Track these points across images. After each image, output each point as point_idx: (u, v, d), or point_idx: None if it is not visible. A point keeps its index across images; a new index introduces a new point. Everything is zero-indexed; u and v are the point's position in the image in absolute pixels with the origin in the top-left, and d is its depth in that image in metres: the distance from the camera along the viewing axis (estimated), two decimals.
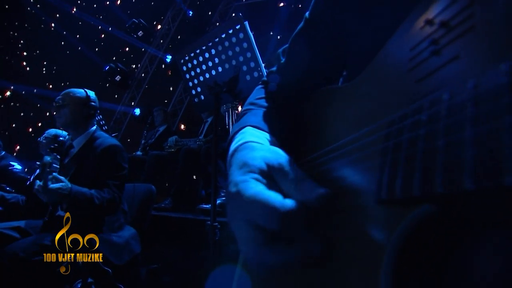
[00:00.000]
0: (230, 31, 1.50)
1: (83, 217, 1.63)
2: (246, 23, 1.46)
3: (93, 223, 1.68)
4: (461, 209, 0.19)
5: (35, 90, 7.86)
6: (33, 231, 1.72)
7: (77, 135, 1.86)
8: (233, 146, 0.43)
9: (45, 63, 8.50)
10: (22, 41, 8.88)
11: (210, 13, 6.57)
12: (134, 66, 6.78)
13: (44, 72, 8.50)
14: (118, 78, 6.02)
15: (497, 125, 0.15)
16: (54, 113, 1.85)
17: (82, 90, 1.93)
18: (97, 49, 7.45)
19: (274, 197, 0.31)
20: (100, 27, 7.29)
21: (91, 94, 1.95)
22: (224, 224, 1.67)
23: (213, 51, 1.60)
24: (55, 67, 8.34)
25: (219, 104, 1.71)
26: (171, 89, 6.60)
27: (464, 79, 0.18)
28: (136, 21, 6.10)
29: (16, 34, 8.79)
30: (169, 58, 6.14)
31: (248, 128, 0.46)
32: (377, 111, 0.28)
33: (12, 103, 8.50)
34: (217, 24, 6.56)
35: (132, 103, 6.41)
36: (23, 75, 8.35)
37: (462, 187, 0.16)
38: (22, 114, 8.56)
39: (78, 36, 7.61)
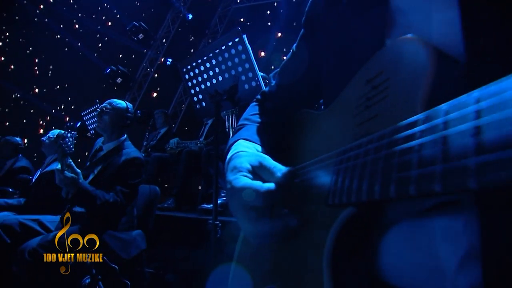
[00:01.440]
0: (230, 43, 1.61)
1: (100, 216, 1.75)
2: (245, 36, 1.57)
3: (109, 222, 1.82)
4: (374, 210, 0.30)
5: (18, 95, 7.66)
6: (51, 226, 1.85)
7: (109, 141, 2.06)
8: (229, 155, 0.56)
9: (36, 60, 8.27)
10: (8, 34, 8.52)
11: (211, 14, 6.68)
12: (134, 68, 6.88)
13: (37, 73, 8.32)
14: (119, 80, 6.13)
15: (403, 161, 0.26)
16: (96, 118, 2.09)
17: (124, 102, 2.14)
18: (100, 44, 7.44)
19: (256, 183, 0.45)
20: (101, 24, 7.37)
21: (130, 106, 2.16)
22: (225, 223, 1.78)
23: (213, 61, 1.72)
24: (51, 67, 8.24)
25: (219, 110, 1.83)
26: (171, 91, 6.71)
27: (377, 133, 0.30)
28: (137, 24, 6.20)
29: (4, 27, 8.46)
30: (169, 61, 6.25)
31: (241, 141, 0.60)
32: (335, 141, 0.40)
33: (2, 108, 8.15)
34: (217, 26, 6.67)
35: (137, 106, 6.51)
36: (9, 74, 8.07)
37: (389, 195, 0.27)
38: (7, 123, 8.14)
39: (78, 38, 7.66)
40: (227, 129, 3.13)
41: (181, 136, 4.25)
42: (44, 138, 2.90)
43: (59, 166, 1.58)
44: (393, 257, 0.31)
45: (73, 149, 1.76)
